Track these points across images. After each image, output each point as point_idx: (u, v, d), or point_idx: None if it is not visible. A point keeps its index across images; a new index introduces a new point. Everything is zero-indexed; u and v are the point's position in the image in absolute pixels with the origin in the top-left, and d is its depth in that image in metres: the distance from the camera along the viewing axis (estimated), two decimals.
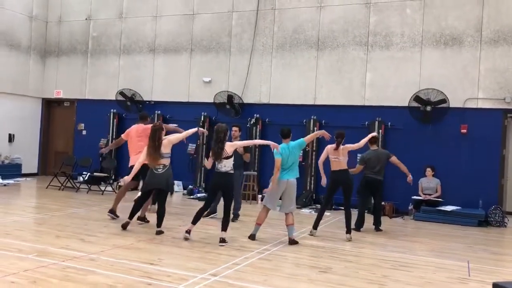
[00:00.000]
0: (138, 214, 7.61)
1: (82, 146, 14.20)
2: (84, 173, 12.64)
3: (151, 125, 7.36)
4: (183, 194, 12.30)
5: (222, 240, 6.56)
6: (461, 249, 7.29)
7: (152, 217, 7.62)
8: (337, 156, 7.60)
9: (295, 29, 12.16)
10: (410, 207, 10.40)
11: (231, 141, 8.46)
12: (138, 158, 7.26)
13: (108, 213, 8.06)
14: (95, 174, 12.30)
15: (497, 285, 3.56)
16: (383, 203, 10.51)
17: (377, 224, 8.51)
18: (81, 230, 7.06)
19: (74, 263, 5.22)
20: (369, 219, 8.61)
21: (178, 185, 12.88)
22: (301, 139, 7.16)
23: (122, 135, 8.57)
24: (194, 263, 5.57)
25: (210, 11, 13.07)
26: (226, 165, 6.64)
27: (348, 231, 7.49)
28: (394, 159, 8.72)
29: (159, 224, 7.07)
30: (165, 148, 7.03)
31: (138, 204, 7.31)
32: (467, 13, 10.69)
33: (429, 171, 10.40)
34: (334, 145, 7.66)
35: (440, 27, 10.88)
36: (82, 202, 10.09)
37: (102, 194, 11.37)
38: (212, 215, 8.56)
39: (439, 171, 10.43)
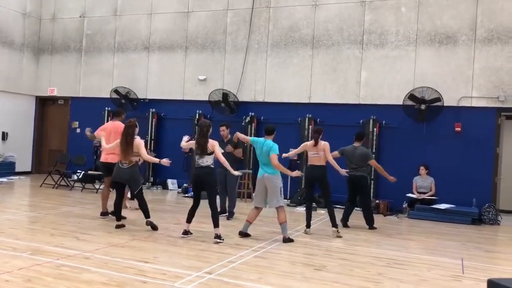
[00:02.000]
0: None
1: (76, 144, 14.14)
2: (78, 171, 12.59)
3: (126, 122, 7.39)
4: (178, 193, 12.28)
5: (217, 237, 6.56)
6: (455, 247, 7.33)
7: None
8: (317, 152, 7.65)
9: (290, 27, 12.16)
10: (405, 205, 10.44)
11: (222, 140, 8.51)
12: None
13: (100, 216, 8.03)
14: (89, 172, 12.24)
15: (491, 281, 3.58)
16: (377, 201, 10.61)
17: (368, 223, 8.51)
18: (76, 228, 7.04)
19: (69, 261, 5.20)
20: (362, 216, 8.64)
21: (173, 183, 12.88)
22: (276, 149, 6.91)
23: (97, 130, 8.52)
24: (189, 261, 5.56)
25: (205, 9, 13.04)
26: (208, 161, 6.70)
27: (334, 225, 7.53)
28: (373, 162, 8.74)
29: (146, 215, 7.16)
30: (135, 147, 7.20)
31: (117, 203, 7.39)
32: (462, 12, 10.74)
33: (422, 170, 10.44)
34: (312, 142, 7.75)
35: (434, 26, 10.92)
36: (76, 200, 10.05)
37: (97, 192, 11.32)
38: (221, 215, 8.53)
39: (433, 169, 10.47)
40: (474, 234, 8.60)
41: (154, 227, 7.11)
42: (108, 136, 8.15)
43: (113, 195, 7.71)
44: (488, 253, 7.26)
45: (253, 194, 7.21)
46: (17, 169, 13.86)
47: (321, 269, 5.52)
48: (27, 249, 5.62)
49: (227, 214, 8.59)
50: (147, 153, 7.67)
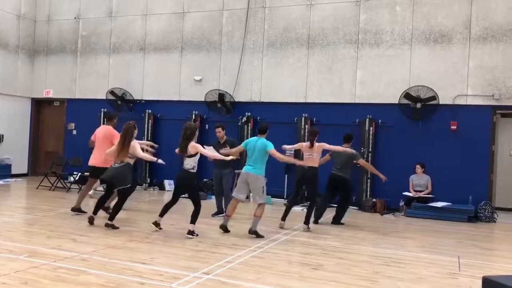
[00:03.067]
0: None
1: (72, 146, 14.10)
2: (75, 173, 12.54)
3: (125, 124, 7.44)
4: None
5: (190, 233, 6.80)
6: (452, 245, 7.37)
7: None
8: (311, 153, 7.82)
9: (285, 27, 12.17)
10: (401, 203, 10.47)
11: (218, 142, 8.54)
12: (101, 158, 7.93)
13: (71, 210, 8.34)
14: (86, 174, 12.16)
15: (486, 279, 3.60)
16: (374, 200, 10.63)
17: (338, 219, 8.63)
18: (73, 230, 7.02)
19: (66, 263, 5.20)
20: (359, 215, 8.66)
21: (170, 184, 12.86)
22: (271, 144, 7.11)
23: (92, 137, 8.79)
24: (186, 261, 5.56)
25: (201, 9, 13.04)
26: (189, 163, 6.87)
27: (306, 222, 7.80)
28: (361, 161, 8.77)
29: (111, 217, 7.25)
30: (131, 149, 7.29)
31: (101, 198, 7.60)
32: (456, 10, 10.78)
33: (418, 168, 10.47)
34: (308, 143, 7.89)
35: (429, 25, 10.95)
36: (73, 202, 9.98)
37: (93, 194, 11.28)
38: (219, 215, 8.57)
39: (429, 168, 10.50)
40: (471, 232, 8.63)
41: (114, 228, 7.22)
42: (99, 142, 8.35)
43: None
44: (485, 251, 7.29)
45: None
46: (13, 171, 13.82)
47: (318, 268, 5.54)
48: (24, 251, 5.61)
49: (223, 214, 8.58)
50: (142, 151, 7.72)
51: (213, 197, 9.37)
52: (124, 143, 7.21)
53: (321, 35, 11.84)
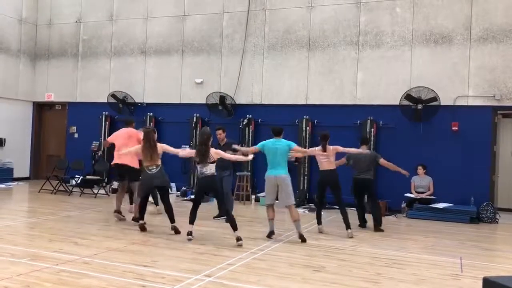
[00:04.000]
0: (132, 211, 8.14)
1: (74, 149, 14.13)
2: (76, 176, 12.55)
3: (145, 129, 7.65)
4: (177, 196, 12.27)
5: (238, 239, 6.62)
6: (454, 246, 7.35)
7: (148, 218, 7.61)
8: (327, 157, 7.80)
9: (286, 29, 12.19)
10: (403, 205, 10.45)
11: (218, 144, 8.56)
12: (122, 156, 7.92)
13: (114, 213, 8.30)
14: (87, 177, 12.24)
15: (487, 280, 3.59)
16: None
17: (378, 223, 8.43)
18: (74, 233, 7.03)
19: (68, 266, 5.21)
20: (368, 218, 8.65)
21: (171, 187, 12.87)
22: (294, 144, 7.35)
23: (108, 139, 8.88)
24: (188, 264, 5.57)
25: (201, 12, 13.07)
26: (212, 169, 6.89)
27: (347, 227, 7.66)
28: (382, 161, 8.75)
29: (172, 219, 7.33)
30: (160, 149, 7.44)
31: (142, 207, 7.54)
32: (456, 11, 10.78)
33: (420, 169, 10.46)
34: (320, 148, 7.86)
35: (429, 26, 10.96)
36: (75, 205, 10.04)
37: (95, 197, 11.32)
38: (220, 217, 8.57)
39: (431, 169, 10.49)
40: (473, 233, 8.62)
41: (177, 232, 7.23)
42: (124, 142, 8.31)
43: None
44: (487, 252, 7.28)
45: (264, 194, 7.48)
46: (15, 175, 13.84)
47: (320, 270, 5.53)
48: (26, 255, 5.62)
49: (225, 217, 8.58)
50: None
51: (214, 200, 9.37)
52: (151, 146, 7.30)
53: (322, 37, 11.85)
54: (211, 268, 5.36)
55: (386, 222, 9.52)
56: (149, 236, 7.01)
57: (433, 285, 5.14)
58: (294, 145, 7.32)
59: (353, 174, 8.62)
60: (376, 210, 8.53)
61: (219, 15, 12.88)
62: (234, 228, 6.70)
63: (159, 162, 7.37)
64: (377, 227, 8.39)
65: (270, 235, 7.22)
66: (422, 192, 10.34)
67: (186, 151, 7.54)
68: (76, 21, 14.60)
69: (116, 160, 8.27)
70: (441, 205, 9.94)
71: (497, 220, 9.84)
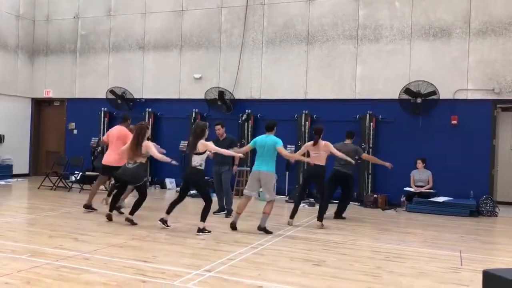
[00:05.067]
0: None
1: (73, 146, 14.13)
2: (76, 172, 12.57)
3: (138, 124, 7.70)
4: (176, 192, 12.27)
5: (200, 230, 6.84)
6: (453, 239, 7.37)
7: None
8: (318, 151, 7.80)
9: (285, 24, 12.15)
10: (403, 199, 10.47)
11: (218, 139, 8.55)
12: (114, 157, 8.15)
13: (83, 207, 8.52)
14: (87, 173, 12.23)
15: (487, 272, 3.60)
16: (375, 195, 10.63)
17: (340, 212, 8.74)
18: (74, 229, 7.03)
19: (68, 262, 5.21)
20: (362, 211, 8.66)
21: (171, 183, 12.88)
22: (281, 142, 7.15)
23: (103, 138, 9.07)
24: (188, 259, 5.57)
25: (200, 7, 13.03)
26: (196, 161, 6.94)
27: (319, 219, 7.79)
28: (364, 155, 8.84)
29: (131, 211, 7.43)
30: (144, 149, 7.42)
31: (115, 197, 7.82)
32: (455, 5, 10.75)
33: (420, 163, 10.46)
34: (312, 142, 7.90)
35: (428, 20, 10.93)
36: (74, 201, 10.03)
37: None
38: (220, 213, 8.59)
39: (430, 163, 10.50)
40: (472, 226, 8.64)
41: (133, 224, 7.36)
42: (113, 142, 8.49)
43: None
44: (486, 245, 7.30)
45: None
46: (15, 172, 13.83)
47: (320, 264, 5.54)
48: (26, 251, 5.62)
49: (225, 212, 8.60)
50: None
51: (214, 194, 9.38)
52: (137, 143, 7.34)
53: (321, 31, 11.82)
54: (211, 263, 5.36)
55: (385, 216, 9.56)
56: (149, 232, 7.01)
57: (433, 278, 5.15)
58: (280, 145, 7.10)
59: (334, 165, 8.65)
60: (344, 201, 8.77)
61: (217, 10, 12.84)
62: (202, 218, 6.88)
63: (139, 160, 7.42)
64: (340, 214, 8.69)
65: (233, 226, 7.19)
66: (422, 186, 10.35)
67: (162, 156, 7.51)
68: (74, 17, 14.55)
69: (104, 160, 8.56)
70: (440, 199, 9.95)
71: (496, 213, 9.85)
